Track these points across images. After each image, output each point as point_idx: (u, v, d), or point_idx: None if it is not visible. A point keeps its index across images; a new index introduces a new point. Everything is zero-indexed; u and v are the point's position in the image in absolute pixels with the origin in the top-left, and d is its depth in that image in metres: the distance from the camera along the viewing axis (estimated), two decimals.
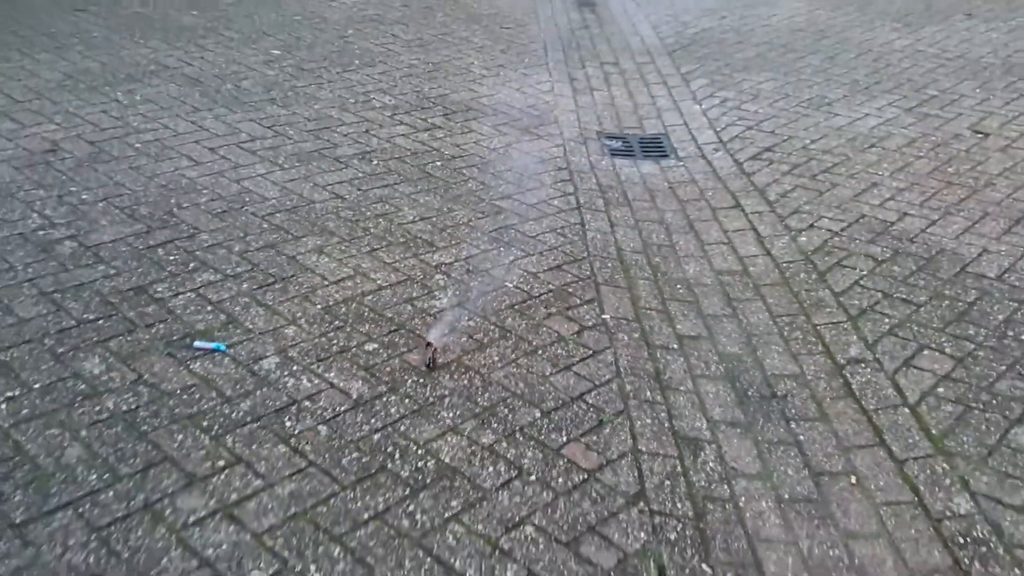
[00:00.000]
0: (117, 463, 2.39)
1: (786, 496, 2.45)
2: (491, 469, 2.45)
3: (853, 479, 2.51)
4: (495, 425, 2.62)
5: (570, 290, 3.38)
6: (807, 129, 5.04)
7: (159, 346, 2.88)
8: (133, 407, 2.60)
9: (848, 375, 2.95)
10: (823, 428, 2.72)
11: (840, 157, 4.66)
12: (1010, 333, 3.16)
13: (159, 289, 3.20)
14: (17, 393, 2.63)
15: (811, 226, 3.95)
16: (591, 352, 3.00)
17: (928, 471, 2.53)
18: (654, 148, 4.93)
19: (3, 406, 2.57)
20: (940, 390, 2.87)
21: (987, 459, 2.57)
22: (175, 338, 2.93)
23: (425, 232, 3.75)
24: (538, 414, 2.68)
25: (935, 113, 5.27)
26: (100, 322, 2.99)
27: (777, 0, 8.01)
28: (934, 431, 2.69)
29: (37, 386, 2.66)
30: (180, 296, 3.17)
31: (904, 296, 3.39)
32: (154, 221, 3.68)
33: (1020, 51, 6.48)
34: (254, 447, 2.47)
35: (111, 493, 2.29)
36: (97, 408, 2.59)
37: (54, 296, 3.12)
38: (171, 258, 3.41)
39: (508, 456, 2.50)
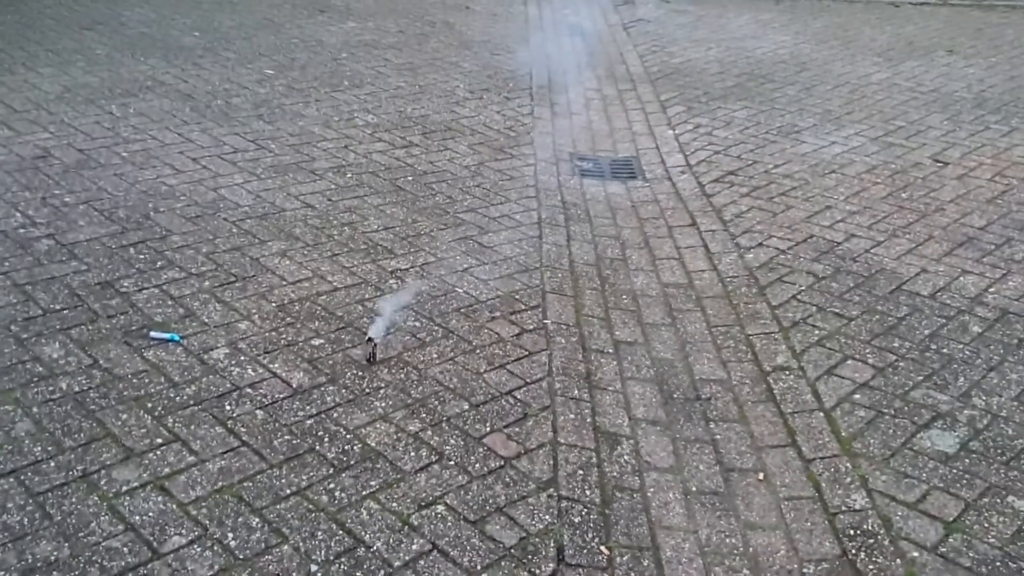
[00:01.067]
0: (62, 437, 2.55)
1: (694, 489, 2.58)
2: (413, 454, 2.59)
3: (761, 475, 2.63)
4: (424, 415, 2.77)
5: (517, 297, 3.53)
6: (772, 155, 5.20)
7: (117, 335, 3.05)
8: (85, 388, 2.76)
9: (771, 381, 3.07)
10: (740, 429, 2.84)
11: (799, 181, 4.81)
12: (932, 347, 3.28)
13: (125, 284, 3.38)
14: None
15: (760, 244, 4.09)
16: (527, 353, 3.14)
17: (832, 470, 2.65)
18: (624, 170, 5.10)
19: None
20: (857, 396, 2.99)
21: (889, 460, 2.68)
22: (133, 328, 3.10)
23: (387, 240, 3.92)
24: (466, 406, 2.82)
25: (899, 143, 5.42)
26: (65, 312, 3.17)
27: (764, 33, 8.21)
28: (844, 434, 2.80)
29: None
30: (144, 291, 3.35)
31: (837, 310, 3.52)
32: (130, 223, 3.88)
33: (994, 86, 6.62)
34: (192, 427, 2.63)
35: (52, 464, 2.44)
36: (51, 388, 2.76)
37: (25, 287, 3.30)
38: (141, 257, 3.60)
39: (431, 443, 2.64)
